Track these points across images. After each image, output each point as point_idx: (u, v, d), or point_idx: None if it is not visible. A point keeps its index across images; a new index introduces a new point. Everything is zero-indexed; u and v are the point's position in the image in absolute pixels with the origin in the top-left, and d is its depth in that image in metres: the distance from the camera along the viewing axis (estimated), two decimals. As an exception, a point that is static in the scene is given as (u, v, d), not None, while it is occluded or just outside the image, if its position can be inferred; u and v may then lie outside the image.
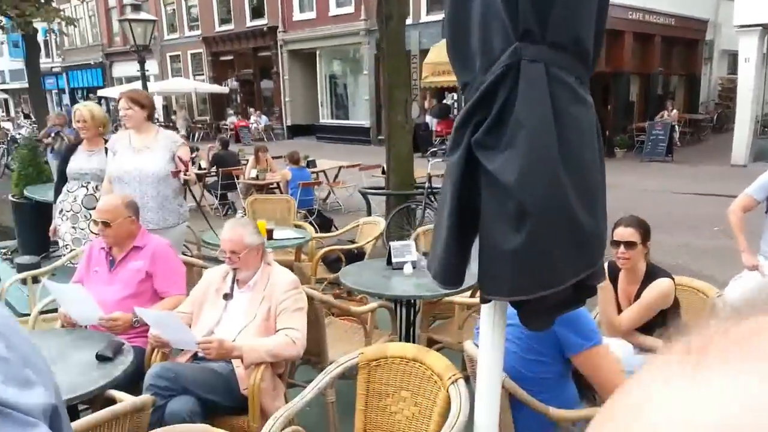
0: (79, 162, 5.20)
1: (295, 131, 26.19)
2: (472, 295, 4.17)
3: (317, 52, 25.39)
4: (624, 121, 19.87)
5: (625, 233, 3.42)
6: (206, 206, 10.48)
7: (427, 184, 8.55)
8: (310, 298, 3.57)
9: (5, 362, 0.86)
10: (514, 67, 1.71)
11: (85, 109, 5.21)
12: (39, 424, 0.84)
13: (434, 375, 2.60)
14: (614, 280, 3.55)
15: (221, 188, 11.19)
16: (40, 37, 21.14)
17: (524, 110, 1.71)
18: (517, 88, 1.71)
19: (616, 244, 3.40)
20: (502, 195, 1.74)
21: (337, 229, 8.20)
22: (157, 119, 15.91)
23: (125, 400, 2.56)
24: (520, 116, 1.71)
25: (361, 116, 24.23)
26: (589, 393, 2.81)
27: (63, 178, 5.32)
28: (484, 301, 2.06)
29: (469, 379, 2.82)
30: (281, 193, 10.17)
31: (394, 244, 4.52)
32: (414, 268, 4.29)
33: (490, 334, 2.17)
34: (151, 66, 26.85)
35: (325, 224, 9.03)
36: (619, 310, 3.52)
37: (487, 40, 1.77)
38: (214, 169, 11.46)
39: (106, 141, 5.13)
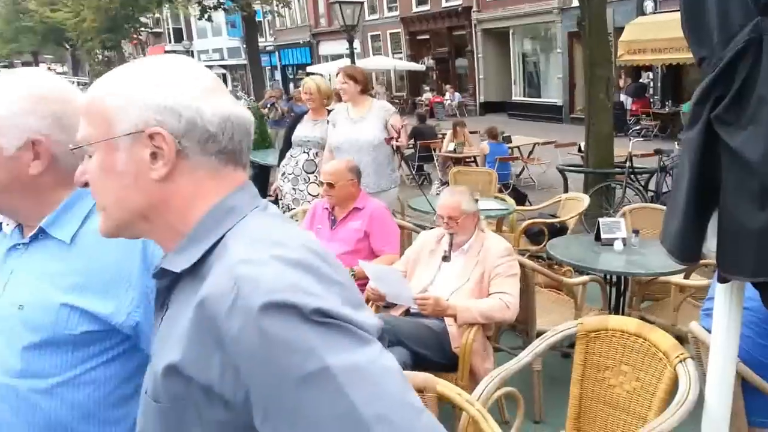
0: (304, 130, 5.50)
1: (487, 108, 25.95)
2: (686, 277, 3.92)
3: (510, 31, 24.89)
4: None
5: None
6: (402, 177, 10.73)
7: (628, 164, 8.15)
8: (522, 266, 3.53)
9: (341, 286, 0.91)
10: (756, 42, 1.55)
11: (312, 82, 5.50)
12: (375, 341, 0.87)
13: (659, 352, 2.45)
14: None
15: (418, 160, 11.36)
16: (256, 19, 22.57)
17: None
18: (759, 63, 1.55)
19: None
20: (746, 172, 1.59)
21: (531, 204, 8.08)
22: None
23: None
24: (764, 92, 1.55)
25: (553, 94, 23.49)
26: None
27: (288, 144, 5.65)
28: (722, 280, 1.90)
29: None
30: (476, 166, 10.15)
31: (603, 220, 4.34)
32: (624, 245, 4.11)
33: (725, 315, 2.00)
34: (354, 44, 27.81)
35: (519, 199, 8.87)
36: None
37: (725, 15, 1.62)
38: (411, 141, 11.65)
39: (329, 112, 5.37)
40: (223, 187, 1.02)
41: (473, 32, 25.88)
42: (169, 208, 1.00)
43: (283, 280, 0.85)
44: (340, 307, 0.85)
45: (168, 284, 1.03)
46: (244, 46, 25.93)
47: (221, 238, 0.97)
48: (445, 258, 3.40)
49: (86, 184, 1.05)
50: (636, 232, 4.26)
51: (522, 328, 3.77)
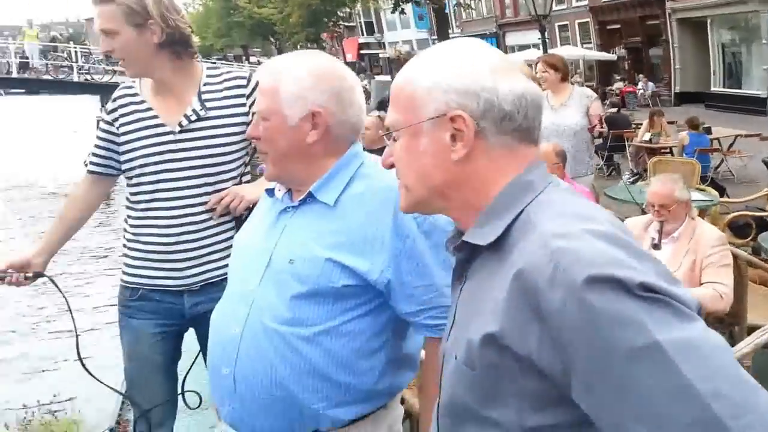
0: None
1: (682, 98, 24.19)
2: None
3: (708, 20, 23.05)
4: None
5: None
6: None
7: (839, 159, 7.42)
8: (735, 257, 3.33)
9: (650, 260, 0.88)
10: None
11: None
12: (698, 317, 0.83)
13: None
14: None
15: (609, 149, 10.91)
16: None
17: None
18: None
19: None
20: None
21: (729, 198, 7.60)
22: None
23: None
24: None
25: (755, 86, 21.48)
26: None
27: None
28: None
29: None
30: (672, 156, 9.58)
31: (821, 214, 4.00)
32: None
33: None
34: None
35: (718, 192, 8.32)
36: None
37: None
38: (605, 130, 11.20)
39: None
40: (518, 164, 1.02)
41: (667, 21, 24.32)
42: (467, 186, 1.02)
43: (602, 254, 0.83)
44: (661, 282, 0.82)
45: (466, 257, 1.06)
46: (433, 37, 26.27)
47: (520, 212, 0.97)
48: (655, 246, 3.29)
49: (392, 166, 1.10)
50: None
51: (730, 321, 3.55)
